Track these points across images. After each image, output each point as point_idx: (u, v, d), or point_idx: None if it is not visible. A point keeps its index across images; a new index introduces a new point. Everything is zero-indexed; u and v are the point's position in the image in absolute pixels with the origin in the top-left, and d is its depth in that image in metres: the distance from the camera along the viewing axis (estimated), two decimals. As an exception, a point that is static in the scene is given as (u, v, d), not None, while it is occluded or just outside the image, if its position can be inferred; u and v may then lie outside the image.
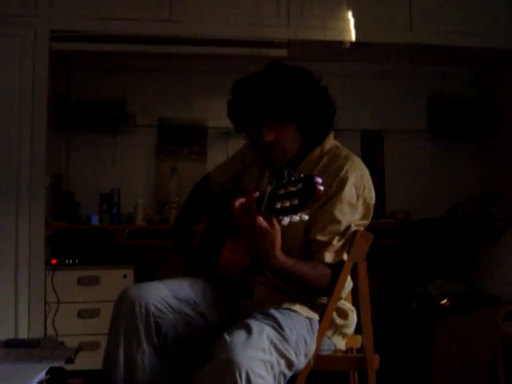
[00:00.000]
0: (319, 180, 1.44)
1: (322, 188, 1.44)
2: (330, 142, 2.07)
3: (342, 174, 1.93)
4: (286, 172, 1.54)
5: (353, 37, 3.75)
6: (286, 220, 1.50)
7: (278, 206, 1.51)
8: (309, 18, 3.73)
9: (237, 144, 3.99)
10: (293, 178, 1.50)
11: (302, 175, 1.48)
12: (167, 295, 1.92)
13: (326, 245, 1.89)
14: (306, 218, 1.49)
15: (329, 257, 1.89)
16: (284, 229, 1.62)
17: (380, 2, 3.80)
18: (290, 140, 1.97)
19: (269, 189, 1.56)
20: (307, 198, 1.44)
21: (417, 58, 4.16)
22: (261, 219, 1.57)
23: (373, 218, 2.00)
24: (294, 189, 1.48)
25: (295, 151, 2.00)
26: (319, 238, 1.89)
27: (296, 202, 1.46)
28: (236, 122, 2.08)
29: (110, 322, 1.91)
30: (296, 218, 1.49)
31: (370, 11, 3.77)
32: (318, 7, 3.75)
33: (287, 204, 1.48)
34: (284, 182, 1.52)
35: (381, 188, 4.21)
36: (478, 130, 4.26)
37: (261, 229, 1.58)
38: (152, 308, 1.87)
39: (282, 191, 1.51)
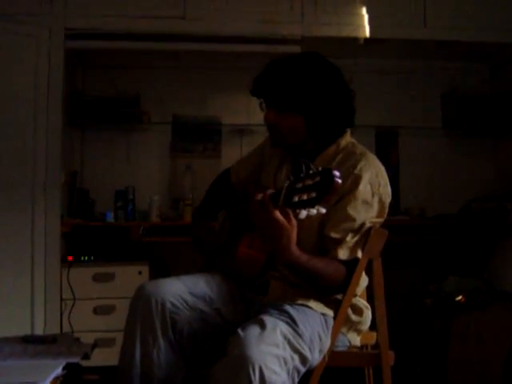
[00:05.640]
0: (337, 173, 1.45)
1: (339, 181, 1.45)
2: (346, 139, 2.05)
3: (357, 171, 1.91)
4: (304, 165, 1.54)
5: (367, 33, 3.74)
6: (303, 213, 1.51)
7: (296, 199, 1.52)
8: (322, 14, 3.71)
9: (251, 141, 4.05)
10: (311, 172, 1.51)
11: (320, 168, 1.49)
12: (183, 291, 1.93)
13: (340, 242, 1.88)
14: (324, 211, 1.50)
15: (342, 254, 1.88)
16: (299, 225, 1.62)
17: (394, -2, 3.79)
18: (291, 129, 1.96)
19: (286, 183, 1.57)
20: (325, 190, 1.45)
21: (431, 54, 4.12)
22: (277, 213, 1.58)
23: (387, 214, 1.98)
24: (311, 182, 1.49)
25: (296, 140, 1.99)
26: (333, 235, 1.88)
27: (314, 194, 1.47)
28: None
29: (126, 318, 1.92)
30: (313, 211, 1.49)
31: (384, 7, 3.75)
32: (332, 3, 3.73)
33: (304, 197, 1.49)
34: (302, 175, 1.53)
35: (395, 184, 4.18)
36: (493, 126, 4.22)
37: (277, 222, 1.59)
38: (168, 304, 1.88)
39: (299, 185, 1.52)
